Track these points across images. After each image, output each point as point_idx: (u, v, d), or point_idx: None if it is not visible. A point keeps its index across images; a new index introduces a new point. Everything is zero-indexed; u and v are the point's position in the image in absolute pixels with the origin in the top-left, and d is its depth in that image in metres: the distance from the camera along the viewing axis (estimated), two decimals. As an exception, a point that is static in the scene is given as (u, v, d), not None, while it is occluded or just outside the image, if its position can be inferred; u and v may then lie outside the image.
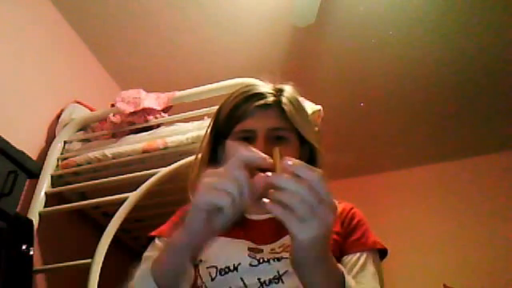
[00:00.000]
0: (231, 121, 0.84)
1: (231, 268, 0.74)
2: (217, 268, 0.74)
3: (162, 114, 1.78)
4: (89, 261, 1.34)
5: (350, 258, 0.78)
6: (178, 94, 1.77)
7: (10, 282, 1.19)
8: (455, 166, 2.92)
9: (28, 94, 1.77)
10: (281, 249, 0.77)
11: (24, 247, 1.28)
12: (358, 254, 0.78)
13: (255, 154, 0.53)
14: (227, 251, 0.77)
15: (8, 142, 1.23)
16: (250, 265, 0.74)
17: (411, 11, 2.02)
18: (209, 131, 0.90)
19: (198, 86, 1.72)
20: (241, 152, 0.53)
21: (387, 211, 2.73)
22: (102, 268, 1.32)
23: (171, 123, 1.71)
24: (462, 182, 2.84)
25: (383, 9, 2.01)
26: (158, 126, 1.75)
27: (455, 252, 2.61)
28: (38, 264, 1.55)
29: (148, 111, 1.72)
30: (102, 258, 1.34)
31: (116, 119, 1.73)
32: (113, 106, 1.81)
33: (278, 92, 0.87)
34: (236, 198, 0.51)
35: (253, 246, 0.78)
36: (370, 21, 2.07)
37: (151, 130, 1.72)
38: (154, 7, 2.04)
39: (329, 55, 2.27)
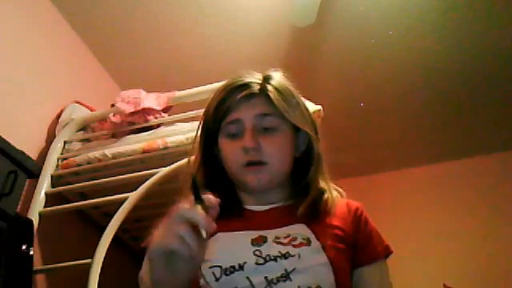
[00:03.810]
0: (218, 116, 0.82)
1: (236, 267, 0.70)
2: (221, 268, 0.70)
3: (162, 114, 1.78)
4: (89, 261, 1.33)
5: (370, 271, 0.79)
6: (177, 93, 1.77)
7: (10, 282, 1.19)
8: (455, 166, 2.92)
9: (28, 94, 1.76)
10: (286, 239, 0.73)
11: (24, 247, 1.28)
12: (373, 265, 0.79)
13: (194, 214, 0.55)
14: (231, 249, 0.73)
15: (8, 142, 1.23)
16: (257, 263, 0.70)
17: (411, 11, 2.01)
18: (199, 131, 0.89)
19: (198, 86, 1.72)
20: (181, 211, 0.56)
21: (387, 211, 2.72)
22: (101, 268, 1.32)
23: (171, 123, 1.71)
24: (462, 182, 2.84)
25: (383, 9, 2.01)
26: (158, 126, 1.74)
27: (455, 252, 2.60)
28: (37, 264, 1.54)
29: (148, 111, 1.72)
30: (102, 258, 1.34)
31: (116, 119, 1.73)
32: (113, 105, 1.81)
33: (265, 80, 0.85)
34: (186, 239, 0.53)
35: (255, 235, 0.75)
36: (369, 21, 2.07)
37: (151, 130, 1.72)
38: (153, 7, 2.03)
39: (329, 55, 2.27)
